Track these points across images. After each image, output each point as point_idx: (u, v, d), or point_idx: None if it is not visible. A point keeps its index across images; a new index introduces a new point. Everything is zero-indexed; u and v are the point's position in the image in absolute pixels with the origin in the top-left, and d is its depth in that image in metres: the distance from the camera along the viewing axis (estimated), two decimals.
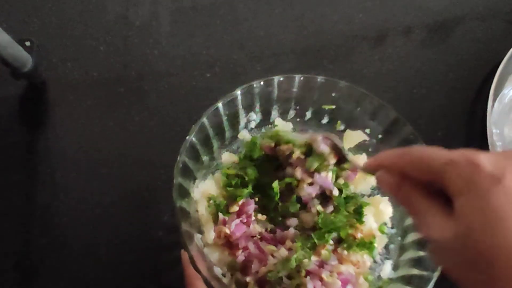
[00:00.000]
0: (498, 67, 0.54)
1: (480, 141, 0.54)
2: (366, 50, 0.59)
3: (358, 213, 0.43)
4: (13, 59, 0.48)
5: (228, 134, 0.48)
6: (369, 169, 0.34)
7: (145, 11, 0.59)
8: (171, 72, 0.56)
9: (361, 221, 0.43)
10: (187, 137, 0.42)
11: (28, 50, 0.51)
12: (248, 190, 0.43)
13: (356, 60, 0.58)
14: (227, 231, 0.41)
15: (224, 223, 0.42)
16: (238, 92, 0.44)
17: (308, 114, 0.49)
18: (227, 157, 0.46)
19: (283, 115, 0.50)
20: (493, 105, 0.53)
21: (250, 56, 0.58)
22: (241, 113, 0.47)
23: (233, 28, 0.59)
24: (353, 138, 0.48)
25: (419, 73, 0.58)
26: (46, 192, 0.50)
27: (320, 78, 0.46)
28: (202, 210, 0.43)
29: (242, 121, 0.48)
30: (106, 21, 0.58)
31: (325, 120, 0.49)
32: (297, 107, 0.49)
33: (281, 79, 0.46)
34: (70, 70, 0.56)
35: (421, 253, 0.41)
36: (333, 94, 0.47)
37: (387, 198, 0.46)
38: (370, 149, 0.48)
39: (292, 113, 0.50)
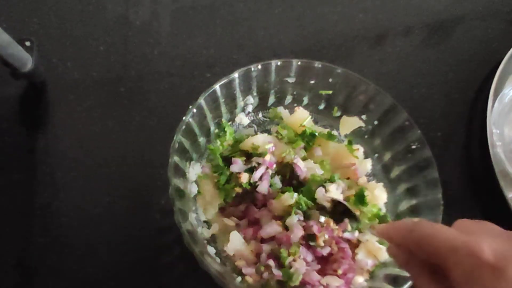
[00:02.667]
0: (498, 67, 0.54)
1: (480, 141, 0.54)
2: (366, 50, 0.59)
3: (361, 196, 0.44)
4: (13, 59, 0.48)
5: (225, 117, 0.48)
6: (380, 237, 0.34)
7: (145, 11, 0.59)
8: (171, 72, 0.56)
9: (365, 204, 0.44)
10: (184, 118, 0.42)
11: (28, 50, 0.51)
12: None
13: (356, 60, 0.58)
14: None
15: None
16: (236, 75, 0.45)
17: (305, 100, 0.50)
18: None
19: (281, 100, 0.50)
20: (493, 105, 0.53)
21: (250, 56, 0.57)
22: (238, 96, 0.47)
23: (233, 28, 0.59)
24: (349, 124, 0.48)
25: (419, 73, 0.58)
26: (46, 192, 0.50)
27: (317, 64, 0.46)
28: (205, 187, 0.44)
29: (239, 104, 0.48)
30: (106, 21, 0.58)
31: (322, 106, 0.50)
32: (295, 92, 0.49)
33: (279, 63, 0.46)
34: (70, 70, 0.56)
35: (414, 201, 0.43)
36: (330, 80, 0.47)
37: (381, 184, 0.46)
38: (366, 136, 0.48)
39: (289, 98, 0.50)
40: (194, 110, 0.43)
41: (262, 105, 0.50)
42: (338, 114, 0.49)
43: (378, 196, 0.45)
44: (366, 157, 0.48)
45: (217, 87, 0.44)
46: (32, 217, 0.49)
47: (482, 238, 0.25)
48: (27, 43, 0.51)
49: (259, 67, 0.46)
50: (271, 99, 0.50)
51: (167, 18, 0.59)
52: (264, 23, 0.60)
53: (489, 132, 0.51)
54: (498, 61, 0.54)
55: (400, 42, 0.59)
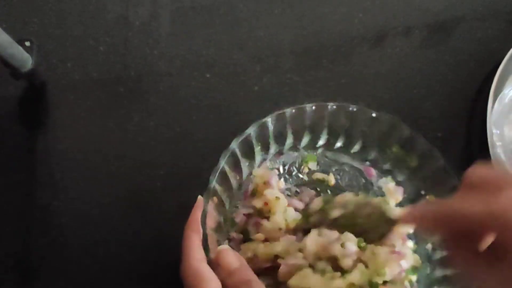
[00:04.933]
0: (498, 67, 0.54)
1: (480, 141, 0.54)
2: (366, 50, 0.59)
3: None
4: (13, 59, 0.48)
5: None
6: (408, 223, 0.34)
7: (145, 11, 0.59)
8: (170, 72, 0.56)
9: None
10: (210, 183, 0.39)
11: (28, 50, 0.51)
12: None
13: (356, 60, 0.58)
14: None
15: None
16: (269, 119, 0.43)
17: (339, 143, 0.48)
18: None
19: (314, 140, 0.48)
20: (493, 105, 0.53)
21: (250, 56, 0.57)
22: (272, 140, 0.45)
23: (233, 28, 0.59)
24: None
25: (419, 73, 0.58)
26: (46, 192, 0.50)
27: (352, 107, 0.44)
28: None
29: (273, 147, 0.46)
30: (106, 21, 0.58)
31: (356, 149, 0.48)
32: (328, 136, 0.47)
33: (313, 107, 0.44)
34: (70, 70, 0.56)
35: None
36: (364, 123, 0.45)
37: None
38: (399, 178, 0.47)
39: (322, 140, 0.48)
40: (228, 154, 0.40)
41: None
42: (372, 156, 0.47)
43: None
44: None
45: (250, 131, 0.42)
46: (31, 217, 0.49)
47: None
48: (27, 43, 0.51)
49: (293, 111, 0.43)
50: (304, 141, 0.47)
51: (167, 18, 0.59)
52: (264, 23, 0.59)
53: (489, 132, 0.51)
54: (498, 61, 0.54)
55: (400, 42, 0.59)
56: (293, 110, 0.43)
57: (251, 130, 0.42)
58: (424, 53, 0.59)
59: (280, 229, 0.41)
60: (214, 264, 0.33)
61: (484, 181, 0.28)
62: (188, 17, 0.59)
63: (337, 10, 0.61)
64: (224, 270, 0.32)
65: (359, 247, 0.40)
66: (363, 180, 0.48)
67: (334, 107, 0.44)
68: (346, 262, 0.40)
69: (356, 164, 0.48)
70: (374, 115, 0.44)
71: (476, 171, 0.29)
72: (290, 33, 0.59)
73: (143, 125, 0.53)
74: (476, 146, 0.55)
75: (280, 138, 0.45)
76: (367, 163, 0.48)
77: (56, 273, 0.47)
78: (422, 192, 0.45)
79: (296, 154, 0.48)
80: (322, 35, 0.59)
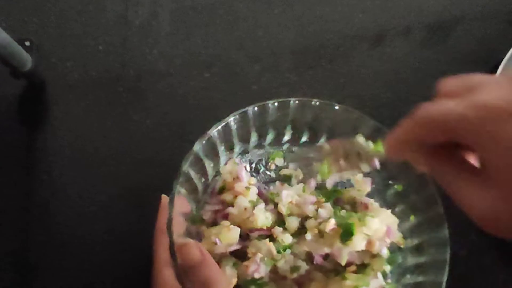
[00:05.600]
0: (498, 67, 0.54)
1: None
2: (365, 50, 0.59)
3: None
4: (13, 59, 0.48)
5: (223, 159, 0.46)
6: (393, 155, 0.30)
7: (144, 11, 0.59)
8: (170, 71, 0.56)
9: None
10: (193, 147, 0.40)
11: (28, 50, 0.51)
12: None
13: (355, 60, 0.58)
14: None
15: None
16: (231, 119, 0.42)
17: (304, 138, 0.48)
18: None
19: (278, 137, 0.47)
20: None
21: (249, 55, 0.57)
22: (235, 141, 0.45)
23: (232, 28, 0.59)
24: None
25: (419, 73, 0.58)
26: (45, 191, 0.50)
27: (314, 101, 0.44)
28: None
29: (237, 146, 0.46)
30: (105, 21, 0.58)
31: (321, 143, 0.47)
32: (292, 131, 0.47)
33: (275, 104, 0.43)
34: (69, 69, 0.56)
35: (421, 278, 0.40)
36: (328, 117, 0.45)
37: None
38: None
39: (287, 137, 0.48)
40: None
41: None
42: None
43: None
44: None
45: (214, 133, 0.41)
46: (30, 215, 0.49)
47: (483, 90, 0.23)
48: (27, 43, 0.52)
49: (256, 108, 0.43)
50: (269, 138, 0.47)
51: (167, 18, 0.59)
52: (263, 23, 0.59)
53: None
54: (497, 61, 0.54)
55: (400, 42, 0.59)
56: (256, 108, 0.43)
57: (214, 131, 0.41)
58: (424, 53, 0.59)
59: (245, 209, 0.40)
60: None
61: (459, 87, 0.25)
62: (188, 16, 0.59)
63: (337, 10, 0.61)
64: (186, 263, 0.31)
65: (335, 214, 0.41)
66: None
67: (297, 102, 0.44)
68: (312, 223, 0.40)
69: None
70: (337, 108, 0.44)
71: (449, 80, 0.26)
72: (290, 33, 0.59)
73: (141, 124, 0.54)
74: None
75: (244, 137, 0.45)
76: None
77: (53, 271, 0.47)
78: (390, 182, 0.45)
79: (261, 151, 0.48)
80: (321, 35, 0.59)
